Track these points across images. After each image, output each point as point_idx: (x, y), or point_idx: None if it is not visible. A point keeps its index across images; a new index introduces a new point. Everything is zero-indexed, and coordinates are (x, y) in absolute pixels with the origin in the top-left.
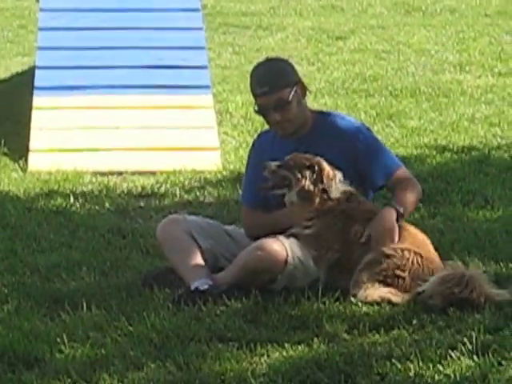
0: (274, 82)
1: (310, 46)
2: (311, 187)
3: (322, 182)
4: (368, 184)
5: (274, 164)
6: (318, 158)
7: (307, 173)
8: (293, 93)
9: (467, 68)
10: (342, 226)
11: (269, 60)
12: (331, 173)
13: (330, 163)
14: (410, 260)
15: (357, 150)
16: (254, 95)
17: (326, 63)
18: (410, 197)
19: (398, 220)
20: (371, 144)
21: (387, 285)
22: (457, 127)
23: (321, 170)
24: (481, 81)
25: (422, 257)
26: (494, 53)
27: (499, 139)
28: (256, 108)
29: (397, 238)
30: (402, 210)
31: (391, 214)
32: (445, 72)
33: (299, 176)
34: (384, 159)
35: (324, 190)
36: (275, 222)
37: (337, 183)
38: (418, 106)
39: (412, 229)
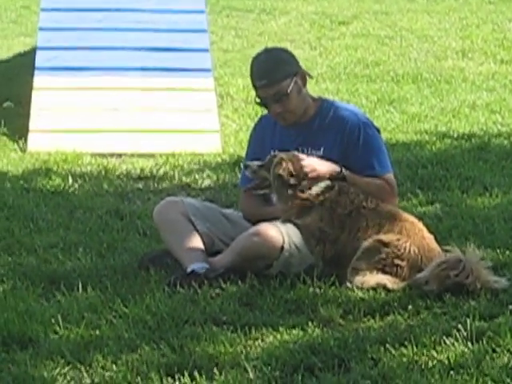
0: (272, 74)
1: (313, 31)
2: (288, 189)
3: (298, 181)
4: None
5: (255, 164)
6: (298, 158)
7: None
8: (292, 84)
9: (470, 55)
10: (328, 217)
11: (267, 50)
12: (316, 174)
13: (322, 156)
14: (408, 249)
15: (352, 143)
16: (255, 87)
17: (329, 48)
18: (368, 186)
19: (335, 177)
20: (369, 142)
21: (385, 273)
22: (457, 114)
23: (298, 169)
24: (483, 68)
25: (420, 246)
26: (497, 40)
27: (500, 126)
28: (257, 100)
29: (309, 169)
30: (345, 173)
31: (334, 166)
32: (447, 58)
33: (276, 177)
34: (374, 160)
35: (301, 189)
36: (271, 215)
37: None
38: (419, 92)
39: (410, 218)
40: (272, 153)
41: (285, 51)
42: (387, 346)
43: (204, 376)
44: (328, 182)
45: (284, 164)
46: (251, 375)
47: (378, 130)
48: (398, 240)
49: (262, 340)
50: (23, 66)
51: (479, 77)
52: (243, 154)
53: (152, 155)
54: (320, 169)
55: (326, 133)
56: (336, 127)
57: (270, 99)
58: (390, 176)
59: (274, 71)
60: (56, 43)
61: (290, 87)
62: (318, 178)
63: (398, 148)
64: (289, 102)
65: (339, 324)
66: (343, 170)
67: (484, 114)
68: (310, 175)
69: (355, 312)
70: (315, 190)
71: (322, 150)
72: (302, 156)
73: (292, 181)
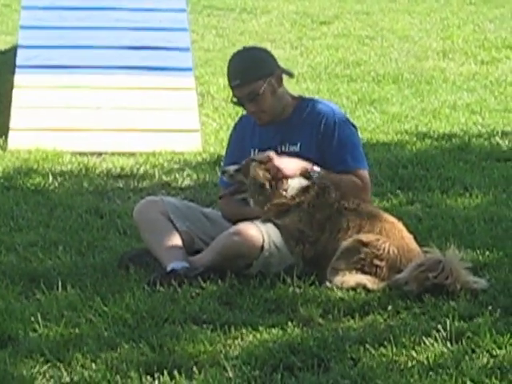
0: (245, 74)
1: (294, 30)
2: (263, 192)
3: (274, 183)
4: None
5: (232, 169)
6: (273, 162)
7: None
8: (265, 85)
9: (450, 55)
10: (307, 219)
11: (245, 50)
12: (281, 174)
13: (299, 151)
14: (387, 250)
15: (327, 138)
16: (230, 86)
17: (310, 48)
18: (340, 182)
19: (306, 176)
20: (343, 138)
21: (364, 273)
22: (438, 114)
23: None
24: (463, 68)
25: (399, 246)
26: (478, 41)
27: (480, 127)
28: (233, 99)
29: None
30: (318, 174)
31: (304, 164)
32: (428, 59)
33: (252, 182)
34: (347, 155)
35: (276, 194)
36: (250, 215)
37: (289, 183)
38: (400, 93)
39: (390, 218)
40: (252, 152)
41: (263, 51)
42: (367, 345)
43: (183, 375)
44: (303, 182)
45: (258, 167)
46: (230, 374)
47: (355, 127)
48: (378, 240)
49: (242, 339)
50: (4, 64)
51: (460, 77)
52: (223, 153)
53: (132, 154)
54: (286, 168)
55: (302, 128)
56: (312, 121)
57: (244, 99)
58: (364, 172)
59: (247, 71)
60: (37, 42)
61: (263, 88)
62: (283, 178)
63: (379, 148)
64: (262, 102)
65: (319, 324)
66: (314, 167)
67: (464, 114)
68: (277, 176)
69: (335, 312)
70: (290, 192)
71: (298, 145)
72: (273, 156)
73: (267, 184)
